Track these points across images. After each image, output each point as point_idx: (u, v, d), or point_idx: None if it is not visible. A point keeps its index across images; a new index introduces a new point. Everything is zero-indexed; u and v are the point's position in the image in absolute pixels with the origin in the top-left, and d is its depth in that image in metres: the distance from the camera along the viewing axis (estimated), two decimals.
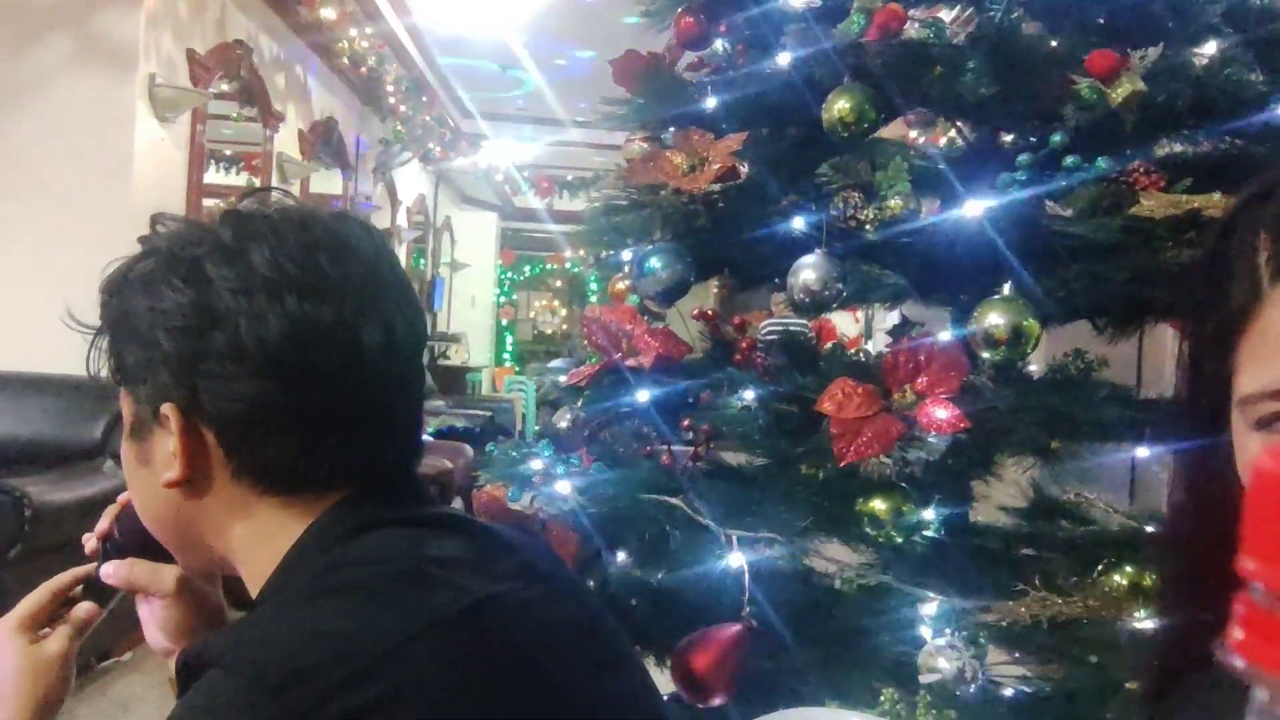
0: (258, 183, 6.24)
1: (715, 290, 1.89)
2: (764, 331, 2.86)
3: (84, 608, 1.02)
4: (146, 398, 0.84)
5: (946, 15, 1.90)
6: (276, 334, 0.77)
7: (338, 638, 0.70)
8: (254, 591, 0.85)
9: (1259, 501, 0.19)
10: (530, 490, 1.60)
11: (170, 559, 0.95)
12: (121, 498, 1.00)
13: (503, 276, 14.03)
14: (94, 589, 1.01)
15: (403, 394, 0.86)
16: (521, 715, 0.73)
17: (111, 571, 0.99)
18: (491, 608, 0.76)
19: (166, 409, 0.81)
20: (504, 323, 14.12)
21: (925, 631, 1.50)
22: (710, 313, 1.77)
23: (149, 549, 0.96)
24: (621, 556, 1.53)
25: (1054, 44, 1.60)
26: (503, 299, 14.07)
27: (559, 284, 14.87)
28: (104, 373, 0.88)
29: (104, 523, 1.02)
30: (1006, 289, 1.41)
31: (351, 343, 0.80)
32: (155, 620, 1.00)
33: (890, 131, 1.87)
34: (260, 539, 0.84)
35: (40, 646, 0.98)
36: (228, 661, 0.70)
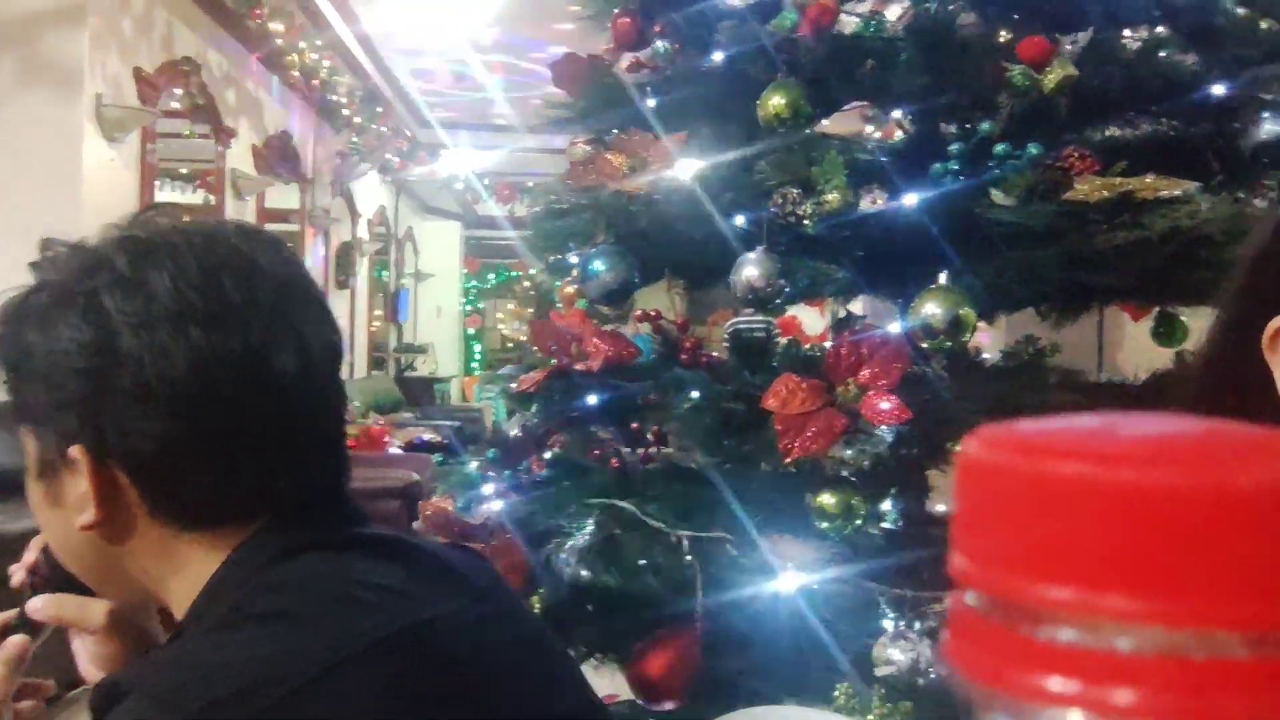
0: (214, 200, 6.17)
1: (670, 290, 1.89)
2: (729, 329, 2.85)
3: (14, 642, 0.98)
4: (53, 439, 0.80)
5: (889, 12, 1.90)
6: (183, 369, 0.74)
7: (259, 665, 0.68)
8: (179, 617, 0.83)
9: (966, 492, 0.18)
10: (479, 500, 1.58)
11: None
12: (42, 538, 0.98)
13: (468, 285, 13.97)
14: (26, 622, 0.99)
15: (322, 415, 0.83)
16: None
17: (39, 607, 0.94)
18: (423, 632, 0.75)
19: (75, 451, 0.78)
20: (472, 331, 14.06)
21: (880, 625, 1.49)
22: (654, 313, 1.76)
23: (78, 581, 0.94)
24: (573, 563, 1.52)
25: (985, 32, 1.61)
26: (469, 308, 14.01)
27: (526, 291, 14.82)
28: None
29: (30, 554, 0.99)
30: (943, 279, 1.41)
31: (262, 370, 0.77)
32: (87, 654, 0.97)
33: (844, 126, 1.87)
34: (183, 572, 0.81)
35: None
36: (146, 689, 0.68)
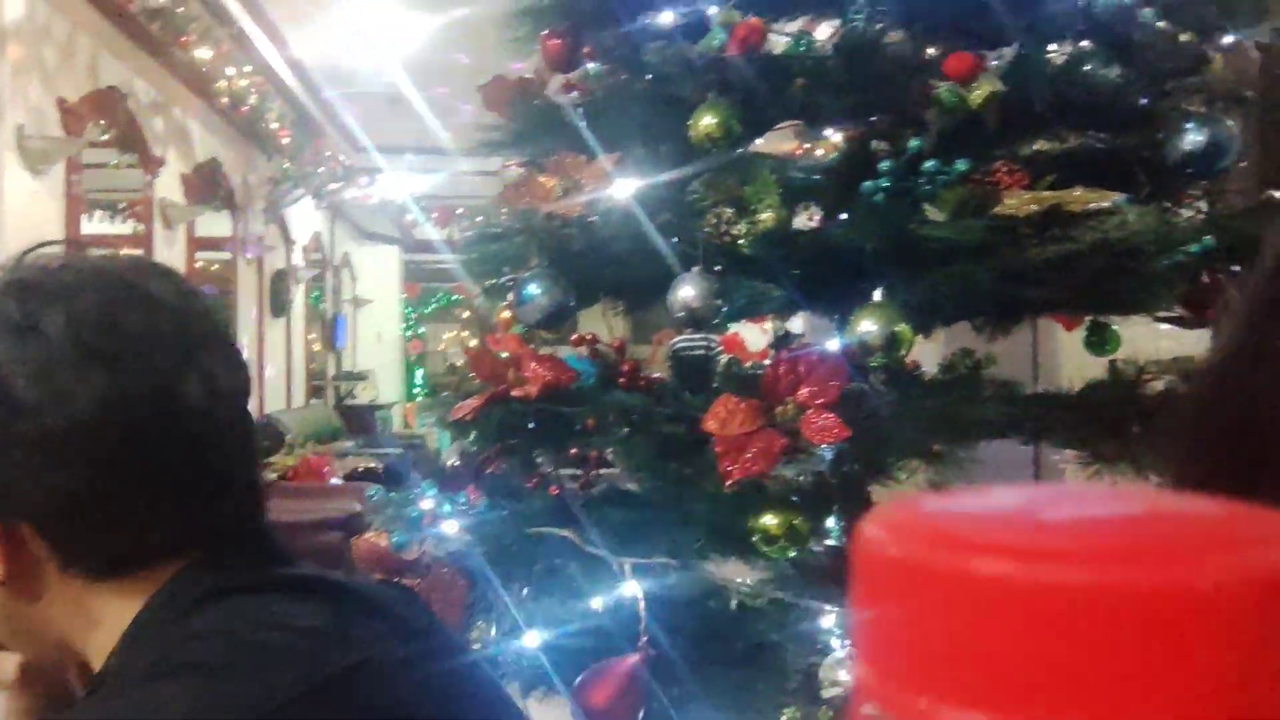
0: (142, 229, 6.05)
1: (605, 314, 1.87)
2: (674, 348, 2.84)
3: None
4: None
5: (818, 32, 1.91)
6: (88, 414, 0.71)
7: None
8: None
9: (867, 588, 0.16)
10: (416, 533, 1.55)
11: None
12: None
13: (409, 310, 13.85)
14: None
15: (234, 447, 0.80)
16: None
17: None
18: (350, 677, 0.71)
19: None
20: (413, 357, 13.93)
21: (827, 645, 1.48)
22: (590, 336, 1.74)
23: None
24: (515, 594, 1.49)
25: (913, 50, 1.62)
26: (410, 333, 13.88)
27: (468, 315, 14.73)
28: None
29: None
30: (877, 295, 1.41)
31: (170, 406, 0.73)
32: (5, 713, 0.93)
33: (777, 147, 1.87)
34: (100, 625, 0.77)
35: None
36: None
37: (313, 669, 0.70)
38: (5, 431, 0.72)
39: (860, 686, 0.16)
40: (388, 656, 0.76)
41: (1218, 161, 1.63)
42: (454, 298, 14.45)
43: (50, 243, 0.82)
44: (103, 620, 0.77)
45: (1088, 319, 1.97)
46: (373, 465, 6.97)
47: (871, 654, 0.15)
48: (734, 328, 2.35)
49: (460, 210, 8.41)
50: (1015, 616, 0.13)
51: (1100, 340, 1.96)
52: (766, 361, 2.00)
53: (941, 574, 0.14)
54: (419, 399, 13.18)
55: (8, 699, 0.91)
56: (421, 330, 14.37)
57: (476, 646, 1.45)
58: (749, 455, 1.37)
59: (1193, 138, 1.64)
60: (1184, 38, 1.66)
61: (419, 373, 13.91)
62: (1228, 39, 1.71)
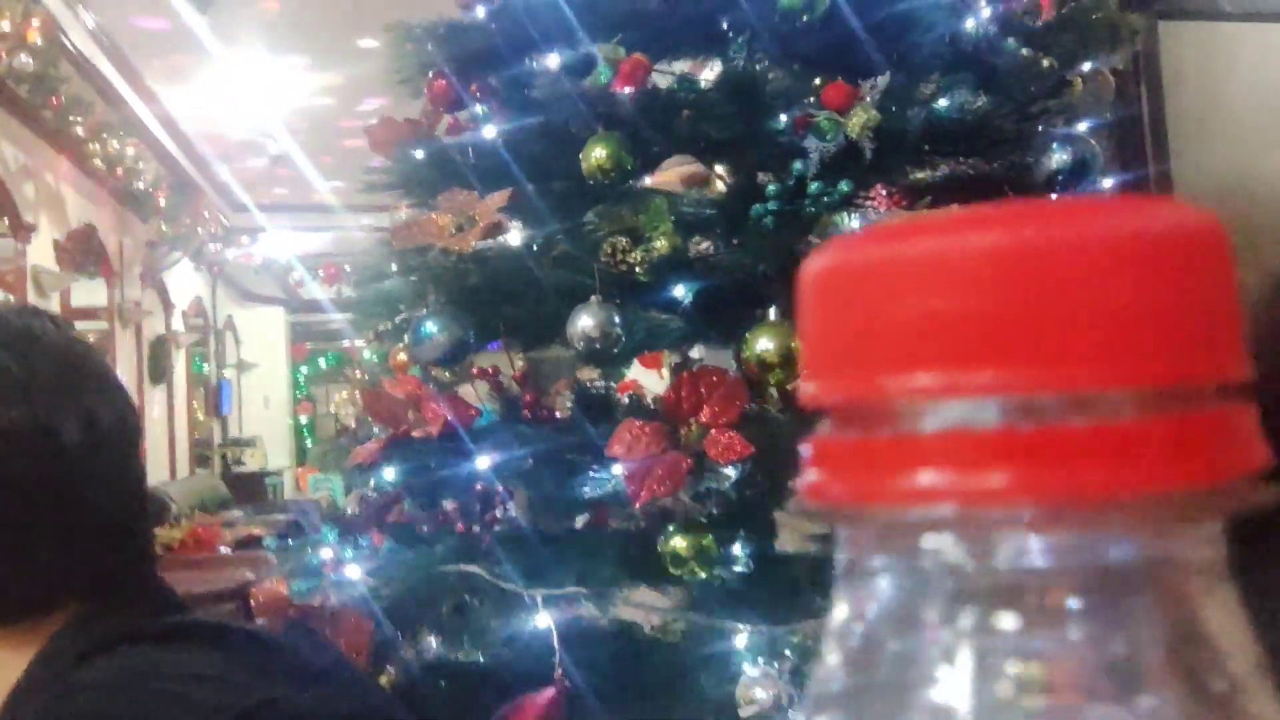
0: (13, 299, 5.80)
1: (508, 352, 1.86)
2: (562, 399, 2.85)
3: None
4: None
5: (703, 74, 1.96)
6: None
7: None
8: None
9: (811, 309, 0.17)
10: (317, 580, 1.51)
11: None
12: None
13: (297, 373, 13.55)
14: None
15: (119, 492, 0.78)
16: None
17: None
18: (252, 719, 0.70)
19: None
20: (304, 420, 13.60)
21: (742, 665, 1.49)
22: (492, 369, 1.74)
23: None
24: (424, 636, 1.46)
25: (792, 83, 1.68)
26: (300, 395, 13.56)
27: (358, 374, 14.46)
28: None
29: None
30: (771, 314, 1.45)
31: (50, 444, 0.72)
32: None
33: (667, 185, 1.91)
34: None
35: None
36: None
37: (213, 712, 0.68)
38: None
39: (812, 404, 0.16)
40: (287, 700, 0.74)
41: (1083, 179, 1.73)
42: (344, 357, 14.20)
43: None
44: None
45: None
46: (260, 533, 6.75)
47: (820, 366, 0.16)
48: (631, 374, 2.37)
49: (347, 267, 8.30)
50: (942, 284, 0.15)
51: None
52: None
53: (871, 265, 0.15)
54: (310, 463, 12.87)
55: None
56: (311, 392, 14.06)
57: (386, 689, 1.41)
58: (655, 477, 1.38)
59: (1059, 158, 1.73)
60: (1046, 63, 1.76)
61: (308, 436, 13.58)
62: (1086, 65, 1.82)
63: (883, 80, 1.70)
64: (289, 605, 1.48)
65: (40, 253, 5.91)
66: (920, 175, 1.90)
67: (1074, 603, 0.14)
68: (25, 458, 0.71)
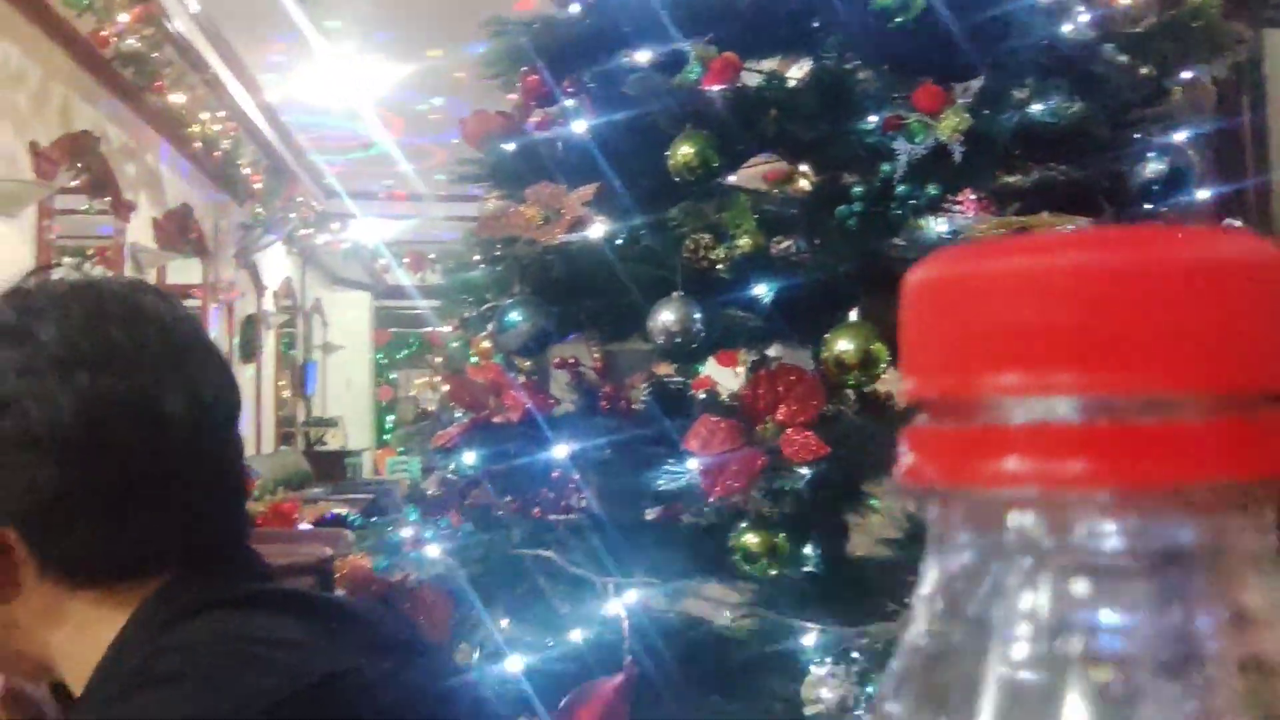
0: (111, 274, 6.02)
1: (589, 345, 1.89)
2: (639, 393, 2.88)
3: None
4: None
5: (791, 72, 1.97)
6: (69, 414, 0.73)
7: None
8: (78, 692, 0.79)
9: (912, 315, 0.19)
10: (399, 557, 1.55)
11: None
12: None
13: (379, 357, 13.80)
14: None
15: (219, 463, 0.81)
16: None
17: None
18: (331, 688, 0.72)
19: None
20: (384, 403, 13.86)
21: (808, 664, 1.50)
22: (573, 361, 1.77)
23: None
24: (498, 617, 1.49)
25: (883, 84, 1.67)
26: (381, 379, 13.82)
27: (438, 360, 14.69)
28: None
29: None
30: (852, 315, 1.45)
31: (152, 414, 0.75)
32: None
33: (752, 184, 1.92)
34: (78, 639, 0.78)
35: None
36: None
37: (293, 678, 0.71)
38: None
39: (910, 400, 0.19)
40: (369, 668, 0.77)
41: (1179, 190, 1.69)
42: (424, 343, 14.43)
43: (51, 264, 0.85)
44: (84, 631, 0.77)
45: None
46: (342, 511, 6.91)
47: (919, 366, 0.18)
48: (706, 370, 2.39)
49: (432, 256, 8.43)
50: (1031, 296, 0.17)
51: None
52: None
53: (969, 278, 0.18)
54: (389, 445, 13.11)
55: None
56: (392, 376, 14.31)
57: (461, 666, 1.45)
58: (729, 473, 1.39)
59: (1154, 167, 1.70)
60: (1144, 71, 1.73)
61: (389, 419, 13.83)
62: (1186, 74, 1.78)
63: (975, 83, 1.68)
64: (372, 580, 1.52)
65: (139, 231, 6.12)
66: (1010, 180, 1.88)
67: (1139, 580, 0.16)
68: (128, 428, 0.74)
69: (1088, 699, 0.16)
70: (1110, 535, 0.17)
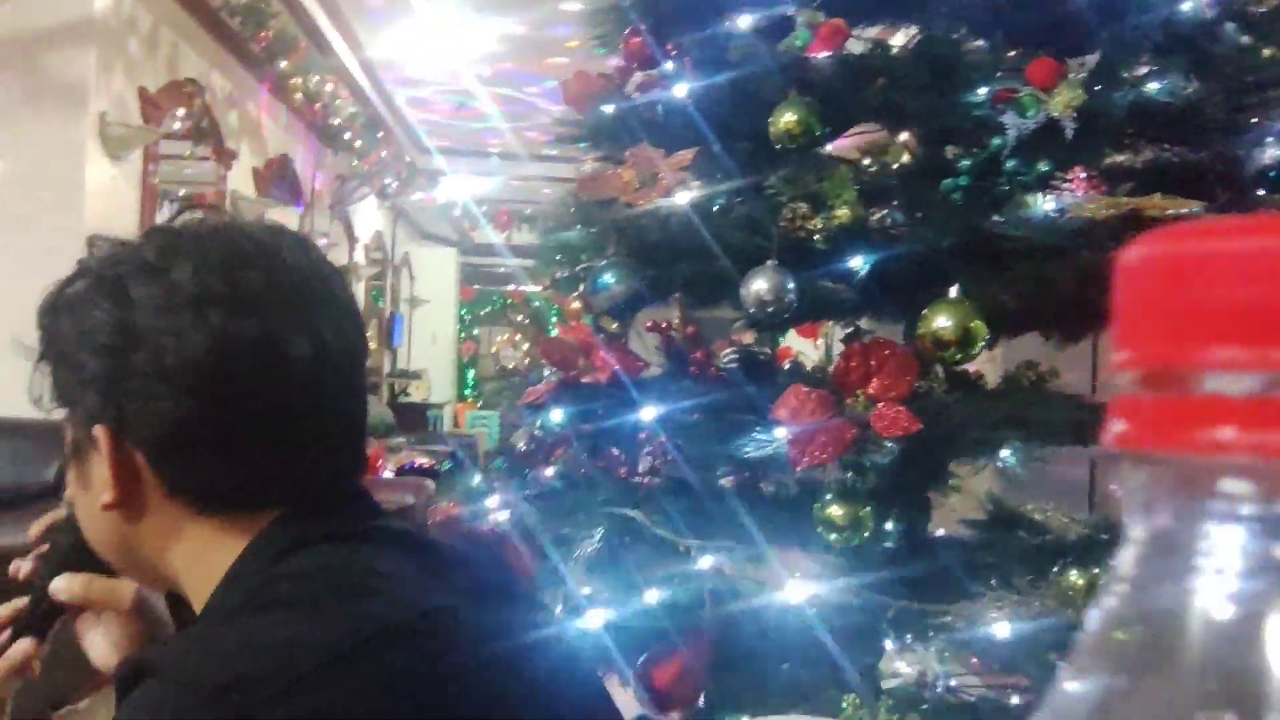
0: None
1: (680, 309, 1.91)
2: (725, 359, 2.88)
3: (19, 648, 0.98)
4: (81, 420, 0.83)
5: (895, 39, 1.93)
6: (200, 351, 0.76)
7: (273, 650, 0.70)
8: (198, 609, 0.84)
9: (1128, 290, 0.20)
10: (487, 508, 1.59)
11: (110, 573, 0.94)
12: (49, 516, 0.98)
13: (463, 312, 13.99)
14: (29, 623, 0.98)
15: (339, 407, 0.84)
16: None
17: (64, 586, 0.95)
18: (433, 623, 0.75)
19: (97, 431, 0.81)
20: (465, 359, 14.06)
21: (886, 639, 1.50)
22: (664, 325, 1.78)
23: (87, 566, 0.94)
24: (580, 573, 1.52)
25: (994, 55, 1.64)
26: (464, 335, 14.01)
27: (521, 318, 14.86)
28: (45, 399, 0.86)
29: (36, 529, 0.99)
30: (953, 292, 1.43)
31: (278, 356, 0.78)
32: (110, 638, 0.97)
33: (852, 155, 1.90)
34: (200, 558, 0.82)
35: None
36: (163, 671, 0.69)
37: (397, 610, 0.74)
38: (125, 358, 0.78)
39: (1123, 369, 0.19)
40: (469, 608, 0.80)
41: None
42: (508, 301, 14.57)
43: (199, 204, 0.88)
44: (205, 555, 0.82)
45: None
46: (425, 461, 7.05)
47: (1134, 337, 0.19)
48: (786, 343, 2.38)
49: (529, 212, 8.49)
50: (1252, 274, 0.18)
51: None
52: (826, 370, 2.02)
53: (1193, 254, 0.19)
54: (469, 399, 13.30)
55: (120, 625, 0.96)
56: (475, 332, 14.50)
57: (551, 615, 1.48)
58: (818, 443, 1.39)
59: (1273, 153, 1.64)
60: (1267, 53, 1.66)
61: (470, 374, 14.04)
62: None
63: (1090, 59, 1.64)
64: (461, 527, 1.56)
65: (239, 179, 6.27)
66: (1119, 160, 1.83)
67: None
68: (253, 368, 0.78)
69: None
70: None
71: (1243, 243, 0.18)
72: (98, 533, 0.88)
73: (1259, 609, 0.17)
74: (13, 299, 0.85)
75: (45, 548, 0.99)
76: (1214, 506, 0.18)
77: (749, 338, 2.10)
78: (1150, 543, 0.19)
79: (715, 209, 1.77)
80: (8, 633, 0.98)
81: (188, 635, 0.80)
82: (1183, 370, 0.18)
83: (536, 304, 13.61)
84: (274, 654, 0.69)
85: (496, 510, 1.61)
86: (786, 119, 1.58)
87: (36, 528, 0.99)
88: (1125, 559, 0.19)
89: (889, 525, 1.74)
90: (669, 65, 1.97)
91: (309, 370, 0.79)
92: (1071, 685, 0.19)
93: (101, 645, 0.97)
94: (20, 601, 0.99)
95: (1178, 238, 0.19)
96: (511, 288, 14.38)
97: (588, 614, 1.53)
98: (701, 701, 1.45)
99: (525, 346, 14.38)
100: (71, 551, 0.96)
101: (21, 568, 0.99)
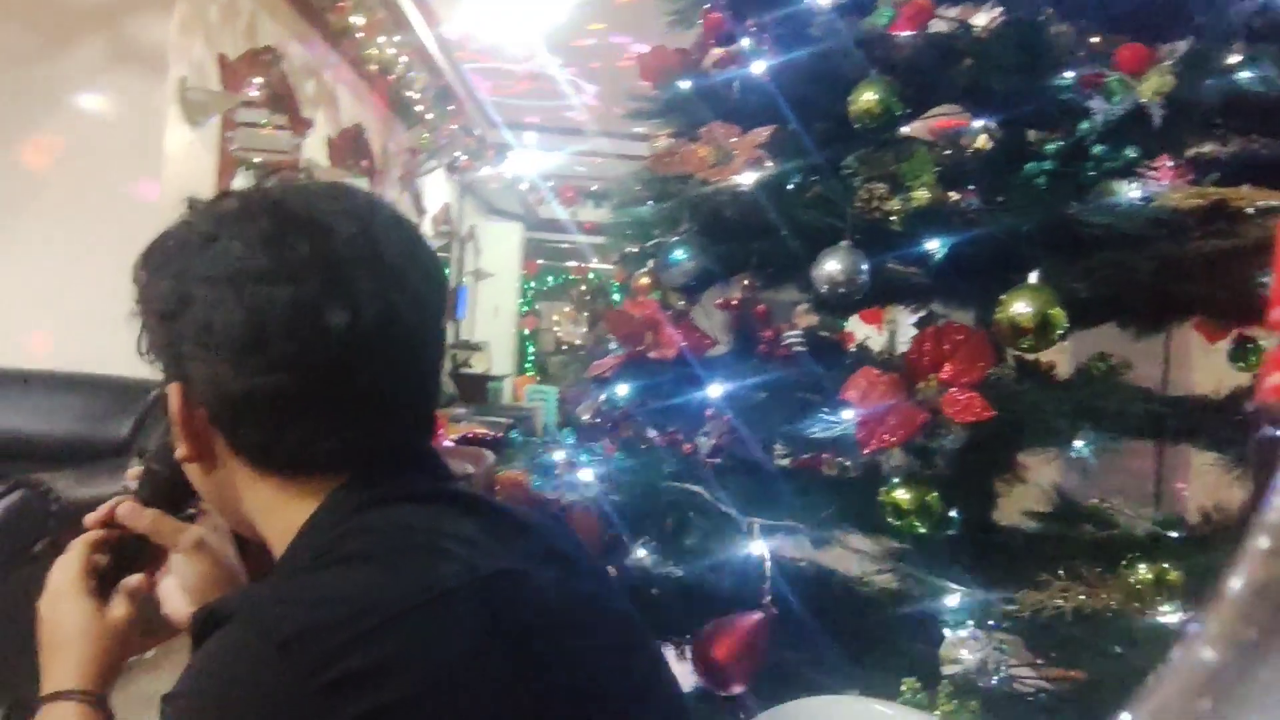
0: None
1: (750, 286, 1.90)
2: (788, 341, 2.87)
3: (134, 579, 1.02)
4: (164, 376, 0.87)
5: (977, 19, 1.90)
6: (237, 321, 0.79)
7: (346, 601, 0.71)
8: (278, 557, 0.86)
9: None
10: (552, 478, 1.60)
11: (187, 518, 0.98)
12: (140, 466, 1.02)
13: (526, 287, 14.07)
14: (123, 551, 1.01)
15: (403, 375, 0.85)
16: (528, 691, 0.73)
17: (128, 513, 0.99)
18: (502, 583, 0.77)
19: (170, 389, 0.86)
20: (526, 332, 14.15)
21: (947, 624, 1.49)
22: (734, 302, 1.77)
23: (174, 498, 0.98)
24: (643, 544, 1.53)
25: (1082, 39, 1.60)
26: (526, 309, 14.10)
27: (582, 294, 14.91)
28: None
29: (132, 473, 1.04)
30: (1032, 278, 1.41)
31: (314, 325, 0.79)
32: (180, 581, 1.00)
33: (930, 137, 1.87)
34: (271, 513, 0.86)
35: (108, 611, 0.98)
36: (239, 618, 0.71)
37: (466, 570, 0.76)
38: (177, 324, 0.82)
39: (1273, 326, 0.19)
40: (536, 570, 0.81)
41: None
42: (571, 277, 14.62)
43: (289, 167, 0.91)
44: (277, 511, 0.85)
45: (1234, 332, 1.93)
46: (484, 431, 7.12)
47: None
48: (849, 327, 2.36)
49: (594, 188, 8.50)
50: None
51: (1244, 353, 1.92)
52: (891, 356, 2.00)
53: None
54: (529, 373, 13.38)
55: (187, 564, 0.99)
56: (537, 307, 14.58)
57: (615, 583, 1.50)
58: (886, 426, 1.39)
59: None
60: None
61: (530, 348, 14.13)
62: None
63: (1181, 45, 1.60)
64: (527, 495, 1.58)
65: (314, 148, 6.35)
66: (1207, 149, 1.79)
67: None
68: (287, 336, 0.78)
69: None
70: None
71: None
72: (191, 478, 0.92)
73: None
74: (93, 261, 0.89)
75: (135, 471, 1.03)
76: None
77: (809, 321, 2.09)
78: None
79: (789, 188, 1.76)
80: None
81: (263, 585, 0.82)
82: None
83: (598, 281, 13.65)
84: (346, 606, 0.71)
85: (562, 480, 1.63)
86: (866, 98, 1.57)
87: (133, 472, 1.03)
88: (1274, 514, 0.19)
89: (954, 512, 1.73)
90: (747, 42, 1.96)
91: (351, 338, 0.79)
92: (1205, 652, 0.19)
93: (172, 594, 1.00)
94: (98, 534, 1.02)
95: None
96: (574, 264, 14.43)
97: (649, 584, 1.55)
98: (758, 677, 1.45)
99: (585, 322, 14.44)
100: (158, 485, 1.00)
101: (130, 475, 1.04)
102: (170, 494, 0.98)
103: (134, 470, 1.04)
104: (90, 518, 1.02)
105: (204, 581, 0.98)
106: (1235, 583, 0.19)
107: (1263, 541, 0.19)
